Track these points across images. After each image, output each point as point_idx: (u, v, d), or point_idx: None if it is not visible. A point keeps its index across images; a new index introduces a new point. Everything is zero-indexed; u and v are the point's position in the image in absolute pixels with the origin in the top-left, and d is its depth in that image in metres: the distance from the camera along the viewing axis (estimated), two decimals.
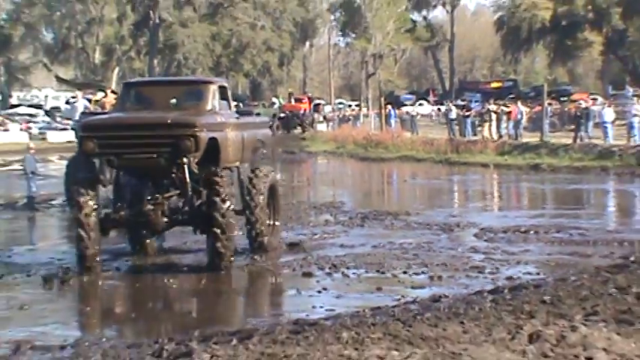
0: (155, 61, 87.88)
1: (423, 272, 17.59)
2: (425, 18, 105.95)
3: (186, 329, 12.64)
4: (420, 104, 75.81)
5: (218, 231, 17.77)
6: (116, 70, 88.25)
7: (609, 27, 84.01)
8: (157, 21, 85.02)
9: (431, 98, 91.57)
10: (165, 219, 18.57)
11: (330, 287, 16.24)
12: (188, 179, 18.15)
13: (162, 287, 17.35)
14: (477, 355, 9.02)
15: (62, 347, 12.09)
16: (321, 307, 14.89)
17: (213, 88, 19.63)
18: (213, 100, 19.44)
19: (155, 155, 17.97)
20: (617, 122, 52.47)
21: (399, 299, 14.80)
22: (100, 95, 40.96)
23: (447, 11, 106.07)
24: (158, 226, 18.79)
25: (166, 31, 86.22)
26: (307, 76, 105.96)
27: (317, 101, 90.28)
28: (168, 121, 18.27)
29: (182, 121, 18.26)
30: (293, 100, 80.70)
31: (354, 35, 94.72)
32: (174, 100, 19.35)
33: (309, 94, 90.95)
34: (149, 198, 18.64)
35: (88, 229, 17.76)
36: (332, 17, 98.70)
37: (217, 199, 17.96)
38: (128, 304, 17.00)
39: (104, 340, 12.73)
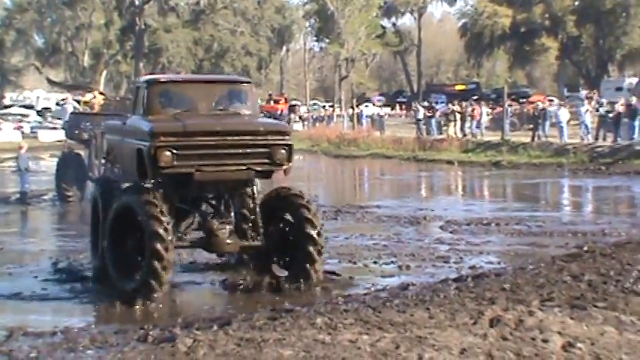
0: (141, 65, 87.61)
1: (392, 262, 17.68)
2: (394, 24, 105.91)
3: None
4: (366, 106, 75.62)
5: (315, 253, 15.10)
6: (104, 73, 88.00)
7: (564, 34, 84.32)
8: (143, 27, 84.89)
9: (375, 101, 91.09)
10: (231, 241, 15.29)
11: None
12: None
13: None
14: (441, 338, 9.03)
15: (53, 333, 12.01)
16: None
17: (253, 89, 16.97)
18: (254, 101, 17.03)
19: (245, 167, 14.84)
20: (572, 122, 52.72)
21: (370, 287, 14.89)
22: (88, 97, 40.79)
23: (415, 18, 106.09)
24: (229, 249, 15.61)
25: (151, 36, 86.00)
26: (284, 79, 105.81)
27: (293, 102, 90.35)
28: (261, 128, 15.21)
29: (277, 129, 15.66)
30: (272, 102, 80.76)
31: (327, 40, 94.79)
32: (226, 101, 16.27)
33: (286, 96, 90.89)
34: (217, 218, 15.45)
35: (168, 265, 14.24)
36: (307, 24, 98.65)
37: (310, 216, 15.28)
38: None
39: (92, 326, 12.72)
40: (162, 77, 17.99)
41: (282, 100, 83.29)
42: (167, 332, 10.59)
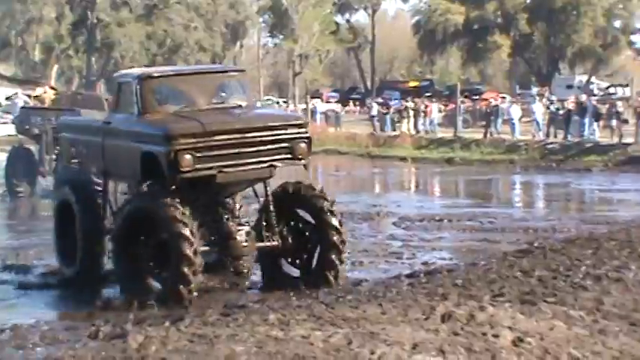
0: (93, 59, 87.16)
1: (345, 258, 17.70)
2: (348, 21, 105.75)
3: None
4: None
5: (337, 262, 14.39)
6: (55, 67, 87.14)
7: (517, 31, 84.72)
8: (95, 21, 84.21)
9: (325, 97, 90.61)
10: (248, 243, 14.56)
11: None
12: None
13: None
14: (393, 334, 9.07)
15: (1, 331, 11.94)
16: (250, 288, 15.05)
17: (247, 78, 16.55)
18: (250, 91, 16.44)
19: (266, 165, 14.15)
20: (524, 119, 53.15)
21: None
22: (39, 91, 40.49)
23: (369, 15, 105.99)
24: (246, 251, 14.82)
25: (103, 30, 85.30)
26: None
27: None
28: (282, 122, 14.67)
29: (296, 121, 15.06)
30: None
31: (281, 36, 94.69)
32: (223, 94, 15.46)
33: None
34: (233, 220, 14.68)
35: (197, 270, 13.51)
36: (261, 19, 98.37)
37: (334, 222, 14.50)
38: None
39: (42, 323, 12.63)
40: (154, 71, 16.62)
41: None
42: (118, 329, 10.57)
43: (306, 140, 14.45)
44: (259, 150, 14.07)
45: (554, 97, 58.45)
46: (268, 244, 14.77)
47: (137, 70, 17.46)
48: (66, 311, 14.51)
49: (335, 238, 14.40)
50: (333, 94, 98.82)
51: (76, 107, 35.12)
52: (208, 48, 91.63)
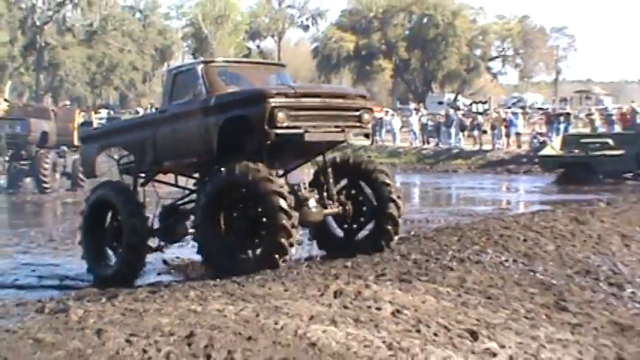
0: (41, 77, 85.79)
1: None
2: (258, 46, 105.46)
3: None
4: None
5: (397, 217, 13.55)
6: (9, 83, 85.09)
7: (397, 57, 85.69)
8: (43, 44, 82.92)
9: None
10: (317, 210, 13.35)
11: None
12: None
13: None
14: (294, 307, 9.07)
15: None
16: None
17: (287, 72, 15.33)
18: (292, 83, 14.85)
19: (340, 130, 13.12)
20: (403, 129, 53.75)
21: None
22: None
23: (275, 41, 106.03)
24: (316, 218, 13.39)
25: (50, 52, 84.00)
26: None
27: None
28: (353, 92, 14.09)
29: (363, 94, 14.17)
30: (154, 109, 79.79)
31: (202, 58, 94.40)
32: (272, 81, 14.26)
33: None
34: (304, 187, 13.36)
35: (293, 242, 12.33)
36: (185, 44, 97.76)
37: (394, 197, 13.51)
38: None
39: None
40: (217, 59, 15.83)
41: None
42: (62, 304, 10.39)
43: (369, 111, 13.59)
44: (336, 115, 13.11)
45: (424, 111, 59.29)
46: (332, 210, 13.64)
47: (196, 60, 16.47)
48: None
49: (393, 210, 13.46)
50: None
51: (25, 117, 34.52)
52: (140, 68, 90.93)
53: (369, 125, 13.69)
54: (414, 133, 51.43)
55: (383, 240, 13.49)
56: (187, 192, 14.79)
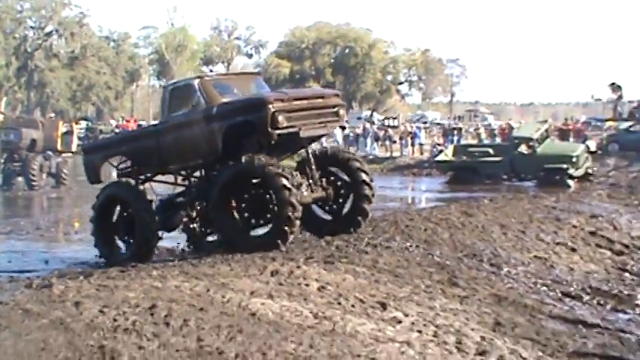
0: (31, 94, 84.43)
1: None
2: (211, 70, 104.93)
3: None
4: None
5: (368, 210, 13.31)
6: (4, 99, 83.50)
7: (324, 80, 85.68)
8: (33, 67, 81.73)
9: None
10: (307, 193, 12.79)
11: None
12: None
13: None
14: (238, 284, 9.05)
15: None
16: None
17: (262, 78, 14.77)
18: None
19: (323, 125, 12.90)
20: (329, 140, 53.63)
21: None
22: None
23: (225, 66, 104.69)
24: (307, 200, 12.71)
25: (39, 74, 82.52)
26: (134, 106, 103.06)
27: (140, 122, 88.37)
28: (328, 92, 13.76)
29: (335, 93, 13.90)
30: (125, 122, 78.76)
31: (165, 80, 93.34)
32: (254, 88, 13.66)
33: (135, 118, 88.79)
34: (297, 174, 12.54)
35: (298, 216, 11.86)
36: (150, 68, 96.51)
37: (367, 179, 13.19)
38: None
39: None
40: (208, 74, 15.26)
41: (132, 121, 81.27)
42: (46, 281, 10.20)
43: (342, 107, 13.23)
44: (319, 113, 12.76)
45: (348, 125, 59.36)
46: (318, 194, 13.08)
47: (191, 75, 15.88)
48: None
49: (367, 191, 13.13)
50: None
51: (18, 127, 34.31)
52: (113, 87, 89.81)
53: (345, 118, 13.44)
54: (337, 143, 51.59)
55: (361, 217, 13.21)
56: (181, 188, 14.19)
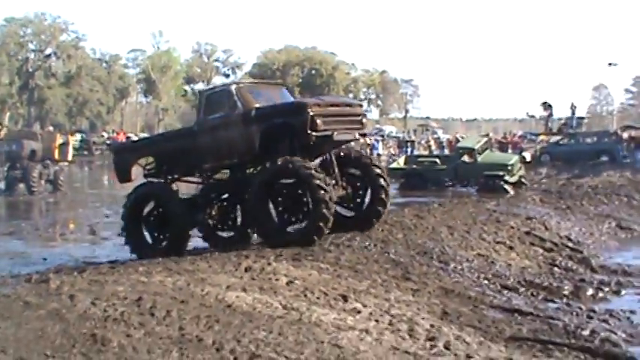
0: (32, 109, 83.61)
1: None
2: (192, 88, 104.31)
3: None
4: None
5: (383, 214, 13.01)
6: (8, 113, 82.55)
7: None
8: (34, 85, 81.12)
9: None
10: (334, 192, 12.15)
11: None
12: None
13: None
14: (215, 279, 9.00)
15: None
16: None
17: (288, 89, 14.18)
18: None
19: (351, 130, 12.41)
20: None
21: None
22: None
23: (205, 86, 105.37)
24: (334, 199, 12.03)
25: (39, 91, 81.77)
26: (124, 120, 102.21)
27: (128, 135, 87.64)
28: (356, 102, 13.17)
29: (360, 103, 13.32)
30: (115, 134, 78.05)
31: (151, 97, 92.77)
32: (281, 97, 13.13)
33: (124, 131, 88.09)
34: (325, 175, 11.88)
35: (332, 213, 11.54)
36: (138, 86, 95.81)
37: (375, 166, 12.85)
38: None
39: None
40: (243, 81, 14.74)
41: (122, 134, 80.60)
42: (44, 276, 10.06)
43: (365, 116, 12.88)
44: (349, 120, 12.38)
45: None
46: (340, 192, 12.63)
47: (227, 81, 15.40)
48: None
49: (382, 182, 12.70)
50: None
51: (19, 138, 34.30)
52: (105, 103, 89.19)
53: (367, 126, 13.18)
54: None
55: (380, 207, 12.84)
56: (203, 187, 13.63)
